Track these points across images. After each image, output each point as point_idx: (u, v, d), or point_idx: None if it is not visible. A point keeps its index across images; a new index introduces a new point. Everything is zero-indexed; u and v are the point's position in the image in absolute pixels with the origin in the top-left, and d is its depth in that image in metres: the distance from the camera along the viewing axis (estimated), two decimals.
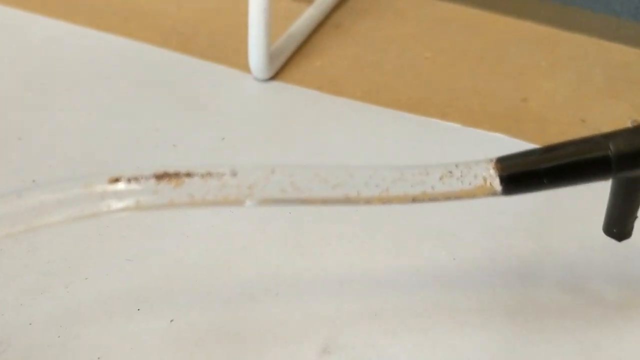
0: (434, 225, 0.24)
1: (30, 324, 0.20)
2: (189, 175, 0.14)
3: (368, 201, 0.15)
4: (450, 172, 0.16)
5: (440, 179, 0.16)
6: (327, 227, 0.23)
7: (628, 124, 0.17)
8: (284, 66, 0.31)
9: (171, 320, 0.20)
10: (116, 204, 0.14)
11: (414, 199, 0.15)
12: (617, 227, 0.19)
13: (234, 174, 0.15)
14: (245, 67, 0.30)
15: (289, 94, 0.30)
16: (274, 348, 0.19)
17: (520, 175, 0.16)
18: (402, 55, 0.33)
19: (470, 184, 0.16)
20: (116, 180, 0.14)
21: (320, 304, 0.21)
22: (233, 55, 0.32)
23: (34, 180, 0.25)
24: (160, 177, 0.14)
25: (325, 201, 0.15)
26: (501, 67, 0.33)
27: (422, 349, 0.20)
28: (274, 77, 0.31)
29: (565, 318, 0.21)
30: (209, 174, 0.15)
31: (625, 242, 0.20)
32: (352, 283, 0.21)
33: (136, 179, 0.14)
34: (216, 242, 0.23)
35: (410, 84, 0.32)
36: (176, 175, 0.14)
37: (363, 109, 0.29)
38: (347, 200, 0.15)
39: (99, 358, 0.19)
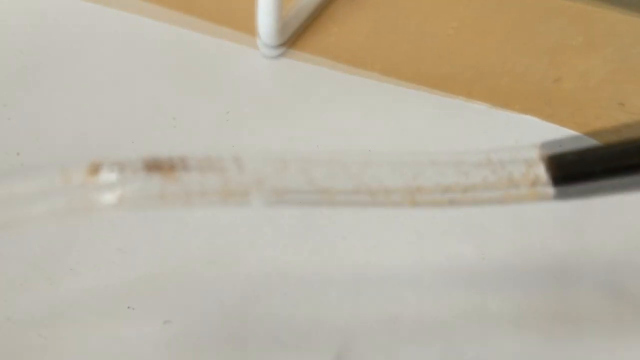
0: (461, 217, 0.21)
1: (9, 319, 0.18)
2: (185, 165, 0.12)
3: (397, 204, 0.13)
4: (495, 171, 0.13)
5: (484, 180, 0.13)
6: (342, 218, 0.21)
7: None
8: (296, 37, 0.29)
9: (166, 322, 0.18)
10: (97, 199, 0.12)
11: (451, 202, 0.13)
12: None
13: (240, 165, 0.12)
14: (253, 36, 0.28)
15: (301, 67, 0.28)
16: (281, 356, 0.17)
17: (579, 176, 0.14)
18: (424, 29, 0.31)
19: (517, 187, 0.13)
20: (97, 168, 0.12)
21: (333, 307, 0.18)
22: (240, 23, 0.29)
23: (22, 164, 0.22)
24: (151, 167, 0.12)
25: (345, 203, 0.13)
26: (531, 44, 0.31)
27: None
28: (285, 48, 0.28)
29: (607, 327, 0.19)
30: (210, 165, 0.12)
31: None
32: (369, 283, 0.19)
33: (122, 168, 0.12)
34: (218, 232, 0.20)
35: (432, 60, 0.29)
36: (170, 165, 0.12)
37: (381, 85, 0.27)
38: (372, 203, 0.13)
39: None
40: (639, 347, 0.18)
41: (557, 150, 0.14)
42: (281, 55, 0.28)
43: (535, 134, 0.25)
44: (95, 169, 0.12)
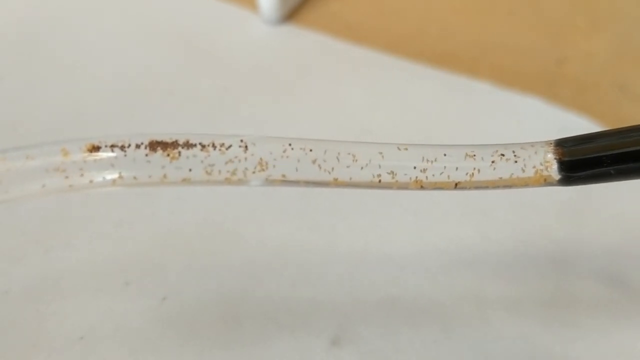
0: (461, 200, 0.21)
1: (7, 293, 0.18)
2: (187, 145, 0.12)
3: (403, 186, 0.13)
4: (502, 155, 0.13)
5: (492, 163, 0.13)
6: (341, 198, 0.21)
7: None
8: (298, 8, 0.28)
9: (163, 299, 0.18)
10: (94, 178, 0.11)
11: (457, 185, 0.13)
12: None
13: (242, 147, 0.12)
14: (253, 7, 0.27)
15: (302, 40, 0.27)
16: (277, 337, 0.17)
17: (585, 162, 0.13)
18: (429, 5, 0.30)
19: (524, 170, 0.13)
20: (95, 148, 0.11)
21: (331, 288, 0.18)
22: None
23: (19, 139, 0.22)
24: (153, 146, 0.12)
25: (350, 184, 0.12)
26: (535, 23, 0.30)
27: (443, 344, 0.17)
28: (286, 19, 0.28)
29: (603, 315, 0.19)
30: (212, 145, 0.12)
31: None
32: (367, 265, 0.19)
33: (122, 147, 0.12)
34: (215, 208, 0.20)
35: (436, 36, 0.28)
36: (173, 145, 0.12)
37: (384, 60, 0.26)
38: (379, 185, 0.12)
39: (81, 338, 0.17)
40: (636, 334, 0.18)
41: (565, 135, 0.14)
42: (281, 29, 0.27)
43: (538, 115, 0.25)
44: (95, 146, 0.12)
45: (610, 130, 0.14)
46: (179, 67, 0.25)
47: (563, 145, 0.14)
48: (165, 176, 0.12)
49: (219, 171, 0.12)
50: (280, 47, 0.27)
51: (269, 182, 0.12)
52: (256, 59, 0.26)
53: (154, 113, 0.23)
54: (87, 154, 0.11)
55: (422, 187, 0.13)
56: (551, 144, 0.14)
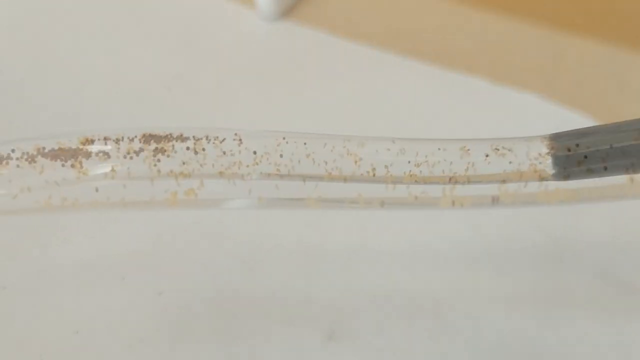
0: None
1: (4, 288, 0.18)
2: (181, 139, 0.12)
3: (398, 180, 0.13)
4: (497, 149, 0.13)
5: (486, 157, 0.13)
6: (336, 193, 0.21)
7: None
8: (295, 4, 0.28)
9: (159, 294, 0.18)
10: (87, 172, 0.11)
11: (452, 180, 0.13)
12: None
13: (237, 140, 0.12)
14: (250, 3, 0.27)
15: (299, 37, 0.27)
16: (273, 331, 0.17)
17: (579, 157, 0.13)
18: (426, 1, 0.30)
19: (518, 165, 0.13)
20: (88, 141, 0.11)
21: (326, 283, 0.18)
22: None
23: (14, 133, 0.22)
24: (147, 139, 0.12)
25: (346, 179, 0.12)
26: (532, 17, 0.30)
27: (438, 339, 0.17)
28: (283, 16, 0.28)
29: (599, 310, 0.19)
30: (206, 139, 0.12)
31: None
32: (362, 260, 0.19)
33: (116, 140, 0.12)
34: None
35: (433, 32, 0.28)
36: (166, 138, 0.12)
37: (381, 57, 0.26)
38: (373, 179, 0.12)
39: (76, 332, 0.17)
40: (632, 329, 0.18)
41: (559, 130, 0.14)
42: (278, 26, 0.27)
43: (535, 112, 0.25)
44: (88, 139, 0.12)
45: (604, 125, 0.14)
46: (176, 63, 0.25)
47: (557, 140, 0.14)
48: (158, 170, 0.12)
49: (213, 165, 0.12)
50: (277, 44, 0.27)
51: (263, 175, 0.12)
52: (253, 55, 0.26)
53: (151, 108, 0.23)
54: (80, 147, 0.11)
55: (416, 182, 0.13)
56: (546, 138, 0.14)
